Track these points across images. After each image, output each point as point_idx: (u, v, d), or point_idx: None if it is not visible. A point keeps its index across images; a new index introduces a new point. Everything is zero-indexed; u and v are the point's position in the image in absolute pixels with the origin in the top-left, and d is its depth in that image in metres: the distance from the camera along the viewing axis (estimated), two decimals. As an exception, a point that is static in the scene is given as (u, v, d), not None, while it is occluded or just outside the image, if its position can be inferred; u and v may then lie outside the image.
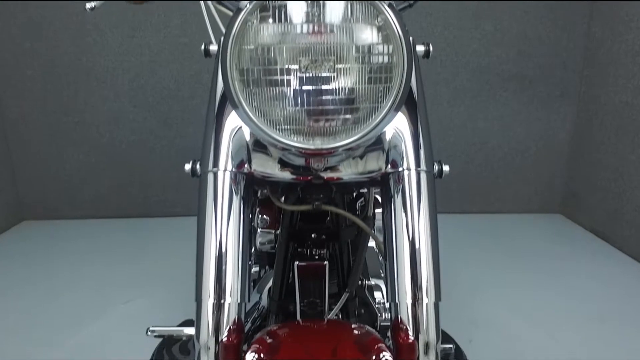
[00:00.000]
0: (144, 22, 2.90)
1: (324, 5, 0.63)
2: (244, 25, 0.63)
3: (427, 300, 0.76)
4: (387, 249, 0.80)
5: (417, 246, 0.77)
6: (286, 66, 0.64)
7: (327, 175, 0.79)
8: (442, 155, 3.09)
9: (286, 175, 0.80)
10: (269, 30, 0.64)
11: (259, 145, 0.79)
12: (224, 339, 0.75)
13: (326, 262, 0.90)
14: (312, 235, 0.99)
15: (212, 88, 0.83)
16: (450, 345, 1.15)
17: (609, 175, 2.83)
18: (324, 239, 1.00)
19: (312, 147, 0.67)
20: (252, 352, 0.71)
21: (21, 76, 2.96)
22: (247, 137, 0.80)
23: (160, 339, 1.25)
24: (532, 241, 2.91)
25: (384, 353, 0.71)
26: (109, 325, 2.03)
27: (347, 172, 0.80)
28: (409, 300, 0.76)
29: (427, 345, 0.76)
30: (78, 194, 3.21)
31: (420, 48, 0.81)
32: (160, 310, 2.11)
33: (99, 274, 2.48)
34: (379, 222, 0.96)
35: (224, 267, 0.76)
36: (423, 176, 0.80)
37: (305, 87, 0.65)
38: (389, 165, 0.80)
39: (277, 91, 0.65)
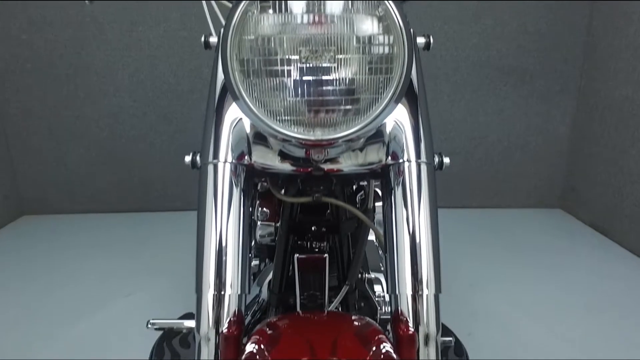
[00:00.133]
0: (144, 16, 2.89)
1: None
2: (244, 15, 0.63)
3: (427, 292, 0.76)
4: (387, 241, 0.80)
5: (417, 238, 0.77)
6: (286, 56, 0.64)
7: (327, 166, 0.79)
8: (442, 150, 3.08)
9: (286, 166, 0.80)
10: (269, 21, 0.63)
11: (259, 137, 0.79)
12: (224, 331, 0.75)
13: (326, 255, 0.90)
14: (312, 228, 0.99)
15: (212, 80, 0.83)
16: (450, 339, 1.16)
17: (609, 169, 2.83)
18: (324, 232, 1.00)
19: (312, 138, 0.67)
20: (252, 343, 0.71)
21: (20, 70, 2.95)
22: (247, 129, 0.80)
23: (160, 332, 1.26)
24: (531, 236, 2.91)
25: (385, 344, 0.71)
26: (110, 319, 2.04)
27: (348, 163, 0.80)
28: (409, 292, 0.76)
29: (427, 337, 0.76)
30: (78, 189, 3.21)
31: (420, 40, 0.81)
32: (160, 304, 2.11)
33: (100, 268, 2.48)
34: (378, 216, 0.96)
35: (224, 258, 0.76)
36: (423, 168, 0.80)
37: (305, 78, 0.64)
38: (389, 157, 0.80)
39: (278, 82, 0.65)
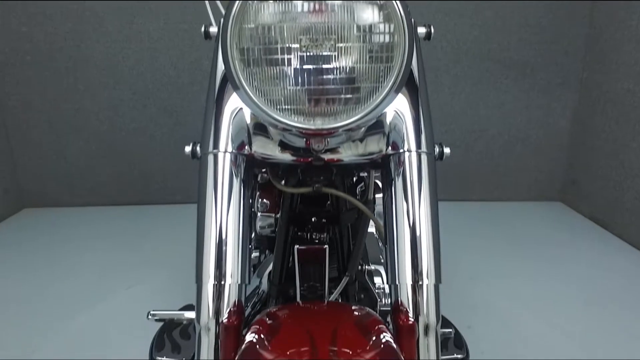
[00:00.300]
0: (143, 9, 2.88)
1: None
2: (245, 4, 0.63)
3: (427, 282, 0.76)
4: (387, 231, 0.80)
5: (417, 228, 0.77)
6: (287, 45, 0.63)
7: (327, 156, 0.79)
8: (442, 143, 3.08)
9: (286, 156, 0.80)
10: (269, 9, 0.63)
11: (259, 127, 0.79)
12: (225, 321, 0.75)
13: (326, 246, 0.90)
14: (312, 219, 0.99)
15: (212, 70, 0.82)
16: (450, 330, 1.16)
17: (610, 163, 2.83)
18: (324, 223, 0.99)
19: (312, 127, 0.66)
20: (252, 333, 0.71)
21: (20, 63, 2.94)
22: (248, 119, 0.79)
23: (161, 324, 1.26)
24: (532, 229, 2.91)
25: (385, 334, 0.71)
26: (110, 311, 2.04)
27: (348, 153, 0.80)
28: (409, 282, 0.76)
29: (427, 327, 0.76)
30: (78, 182, 3.21)
31: (421, 30, 0.81)
32: (161, 296, 2.12)
33: (100, 260, 2.49)
34: (379, 207, 0.96)
35: (224, 248, 0.76)
36: (424, 158, 0.80)
37: (305, 67, 0.64)
38: (390, 147, 0.80)
39: (278, 70, 0.64)
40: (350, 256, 1.00)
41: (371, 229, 1.49)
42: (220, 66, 0.80)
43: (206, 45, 2.90)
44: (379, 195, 0.95)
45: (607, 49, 2.83)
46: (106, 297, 2.14)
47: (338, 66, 0.64)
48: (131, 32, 2.93)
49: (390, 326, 0.78)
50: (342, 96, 0.66)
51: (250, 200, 0.90)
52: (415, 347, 0.76)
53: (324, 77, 0.65)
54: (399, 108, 0.80)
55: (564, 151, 3.24)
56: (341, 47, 0.64)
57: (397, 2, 0.63)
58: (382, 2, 0.63)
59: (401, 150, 0.80)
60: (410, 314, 0.76)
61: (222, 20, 0.65)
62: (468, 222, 2.99)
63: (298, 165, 0.84)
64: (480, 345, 1.76)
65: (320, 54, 0.64)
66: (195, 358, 0.76)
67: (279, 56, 0.64)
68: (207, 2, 1.08)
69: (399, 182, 0.79)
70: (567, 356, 1.77)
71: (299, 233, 1.00)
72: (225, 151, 0.79)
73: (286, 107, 0.66)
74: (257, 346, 0.68)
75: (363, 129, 0.78)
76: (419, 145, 0.80)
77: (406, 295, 0.76)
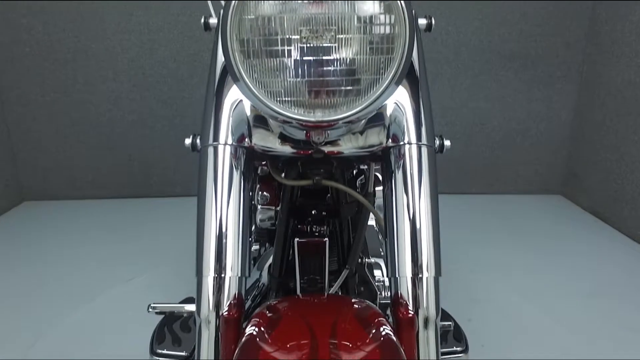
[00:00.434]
0: (143, 1, 2.87)
1: None
2: (245, -6, 0.62)
3: (427, 275, 0.76)
4: (387, 224, 0.80)
5: (417, 221, 0.77)
6: (287, 36, 0.63)
7: (327, 149, 0.78)
8: (442, 135, 3.08)
9: (286, 149, 0.79)
10: (269, 0, 0.62)
11: (259, 119, 0.79)
12: (225, 314, 0.75)
13: (326, 239, 0.90)
14: (313, 212, 0.99)
15: (212, 62, 0.82)
16: (450, 323, 1.16)
17: (610, 156, 2.82)
18: (324, 216, 0.99)
19: (312, 119, 0.66)
20: (252, 325, 0.71)
21: (19, 55, 2.93)
22: (248, 111, 0.79)
23: (161, 316, 1.26)
24: (532, 222, 2.91)
25: (384, 327, 0.71)
26: (110, 304, 2.05)
27: (348, 146, 0.79)
28: (409, 275, 0.76)
29: (426, 320, 0.76)
30: (78, 174, 3.20)
31: (422, 21, 0.80)
32: (161, 288, 2.12)
33: (100, 253, 2.48)
34: (379, 200, 0.96)
35: (224, 241, 0.76)
36: (424, 150, 0.79)
37: (306, 58, 0.64)
38: (390, 140, 0.80)
39: (278, 62, 0.64)
40: (350, 249, 1.00)
41: (371, 221, 1.48)
42: (220, 58, 0.80)
43: (206, 38, 2.89)
44: (379, 188, 0.95)
45: (609, 41, 2.82)
46: (106, 289, 2.14)
47: (338, 58, 0.64)
48: (130, 24, 2.91)
49: (390, 319, 0.78)
50: (343, 88, 0.65)
51: (251, 193, 0.90)
52: (414, 340, 0.76)
53: (324, 68, 0.64)
54: (399, 100, 0.79)
55: (565, 144, 3.24)
56: (341, 39, 0.63)
57: None
58: None
59: (401, 143, 0.79)
60: (410, 307, 0.76)
61: (221, 11, 0.64)
62: (468, 214, 2.99)
63: (298, 158, 0.84)
64: (480, 339, 1.76)
65: (321, 45, 0.63)
66: (196, 351, 0.76)
67: (279, 47, 0.63)
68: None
69: (399, 175, 0.79)
70: (566, 347, 1.78)
71: (299, 226, 1.00)
72: (225, 144, 0.78)
73: (286, 99, 0.66)
74: (257, 339, 0.68)
75: (363, 121, 0.78)
76: (419, 138, 0.79)
77: (406, 288, 0.76)
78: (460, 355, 1.18)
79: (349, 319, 0.73)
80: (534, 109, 3.15)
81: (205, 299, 0.76)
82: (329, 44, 0.63)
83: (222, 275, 0.75)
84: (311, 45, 0.63)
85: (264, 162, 0.94)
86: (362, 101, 0.66)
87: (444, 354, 1.15)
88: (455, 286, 2.13)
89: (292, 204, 0.96)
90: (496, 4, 2.93)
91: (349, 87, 0.65)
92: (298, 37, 0.63)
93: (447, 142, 0.82)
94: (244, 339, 0.69)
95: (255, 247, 1.38)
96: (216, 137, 0.79)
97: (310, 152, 0.79)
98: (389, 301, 0.81)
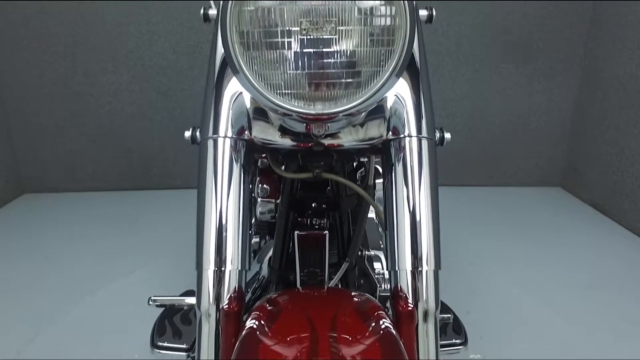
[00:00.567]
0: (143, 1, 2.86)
1: None
2: (245, -14, 0.62)
3: (426, 268, 0.76)
4: (387, 217, 0.79)
5: (417, 214, 0.77)
6: (287, 28, 0.62)
7: (327, 141, 0.78)
8: (443, 128, 3.07)
9: (286, 141, 0.79)
10: None
11: (259, 112, 0.78)
12: (225, 307, 0.75)
13: (326, 232, 0.90)
14: (313, 205, 0.99)
15: (211, 54, 0.81)
16: (449, 315, 1.17)
17: (610, 149, 2.82)
18: (324, 209, 0.99)
19: (312, 112, 0.66)
20: (252, 318, 0.71)
21: (18, 47, 2.92)
22: (248, 104, 0.79)
23: (162, 309, 1.26)
24: (532, 214, 2.91)
25: (384, 320, 0.71)
26: (111, 296, 2.05)
27: (348, 138, 0.79)
28: (409, 268, 0.76)
29: (426, 313, 0.76)
30: (78, 166, 3.20)
31: (423, 12, 0.80)
32: (162, 281, 2.13)
33: (100, 246, 2.49)
34: (379, 193, 0.96)
35: (224, 234, 0.76)
36: (424, 143, 0.79)
37: (306, 50, 0.63)
38: (390, 132, 0.80)
39: (278, 54, 0.64)
40: (350, 242, 1.00)
41: (371, 214, 1.49)
42: (220, 50, 0.79)
43: (205, 29, 2.87)
44: (379, 181, 0.94)
45: (611, 34, 2.80)
46: (107, 282, 2.14)
47: (338, 50, 0.64)
48: (130, 16, 2.89)
49: (390, 312, 0.78)
50: (343, 80, 0.65)
51: (251, 186, 0.90)
52: (414, 333, 0.76)
53: (325, 61, 0.64)
54: (399, 92, 0.79)
55: (565, 137, 3.23)
56: (342, 31, 0.63)
57: None
58: None
59: (402, 136, 0.79)
60: (410, 300, 0.76)
61: (221, 2, 0.64)
62: (468, 207, 2.99)
63: (298, 151, 0.83)
64: (480, 331, 1.77)
65: (321, 37, 0.63)
66: (196, 344, 0.76)
67: (279, 39, 0.63)
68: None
69: (399, 168, 0.78)
70: (566, 339, 1.78)
71: (299, 219, 1.00)
72: (225, 136, 0.78)
73: (286, 91, 0.65)
74: (258, 332, 0.68)
75: (363, 113, 0.77)
76: (419, 131, 0.79)
77: (406, 281, 0.76)
78: (459, 347, 1.19)
79: (348, 313, 0.73)
80: (535, 101, 3.14)
81: (206, 292, 0.76)
82: (329, 36, 0.63)
83: (222, 268, 0.75)
84: (311, 37, 0.63)
85: (264, 155, 0.94)
86: (362, 93, 0.66)
87: (443, 346, 1.16)
88: (454, 278, 2.14)
89: (292, 197, 0.96)
90: (497, -5, 2.92)
91: (349, 80, 0.65)
92: (298, 29, 0.62)
93: (447, 135, 0.82)
94: (244, 333, 0.69)
95: (255, 239, 1.38)
96: (216, 130, 0.78)
97: (310, 144, 0.78)
98: (388, 294, 0.81)
